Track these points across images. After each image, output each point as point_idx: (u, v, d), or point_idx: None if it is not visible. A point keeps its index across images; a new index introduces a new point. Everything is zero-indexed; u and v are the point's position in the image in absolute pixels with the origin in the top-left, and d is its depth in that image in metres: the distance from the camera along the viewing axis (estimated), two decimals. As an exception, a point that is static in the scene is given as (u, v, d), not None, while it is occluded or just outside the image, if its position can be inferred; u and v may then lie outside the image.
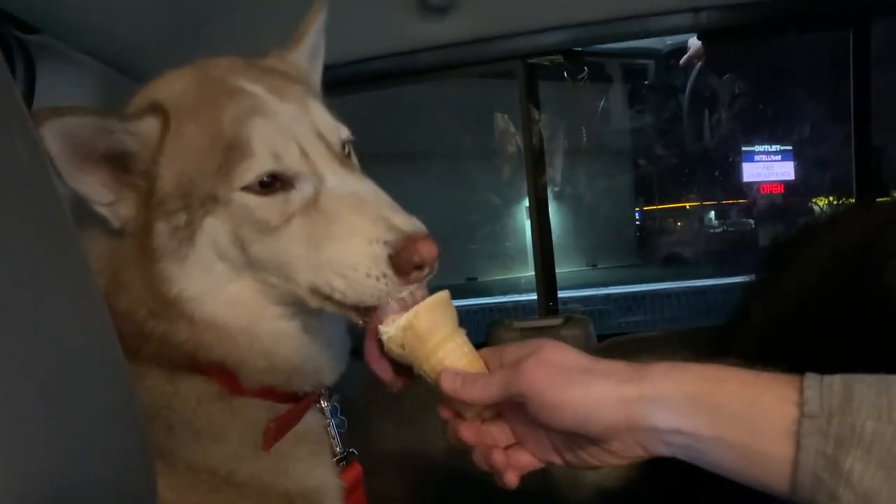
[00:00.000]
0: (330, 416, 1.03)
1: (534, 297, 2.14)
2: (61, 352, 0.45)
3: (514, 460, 0.80)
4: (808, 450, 0.61)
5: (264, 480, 0.89)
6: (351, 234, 0.80)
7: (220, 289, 0.87)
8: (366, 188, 0.86)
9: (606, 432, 0.70)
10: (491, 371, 0.79)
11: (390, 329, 0.77)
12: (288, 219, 0.83)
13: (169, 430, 0.86)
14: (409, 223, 0.81)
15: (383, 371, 0.82)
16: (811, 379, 0.64)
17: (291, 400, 0.94)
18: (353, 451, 1.04)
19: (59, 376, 0.44)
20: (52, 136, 0.77)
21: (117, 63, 1.43)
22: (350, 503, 1.01)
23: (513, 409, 0.79)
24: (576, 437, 0.74)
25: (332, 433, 1.02)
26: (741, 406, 0.66)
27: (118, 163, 0.84)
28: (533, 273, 2.00)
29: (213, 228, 0.84)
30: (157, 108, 0.85)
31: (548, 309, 1.89)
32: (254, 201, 0.83)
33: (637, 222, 14.14)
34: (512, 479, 0.78)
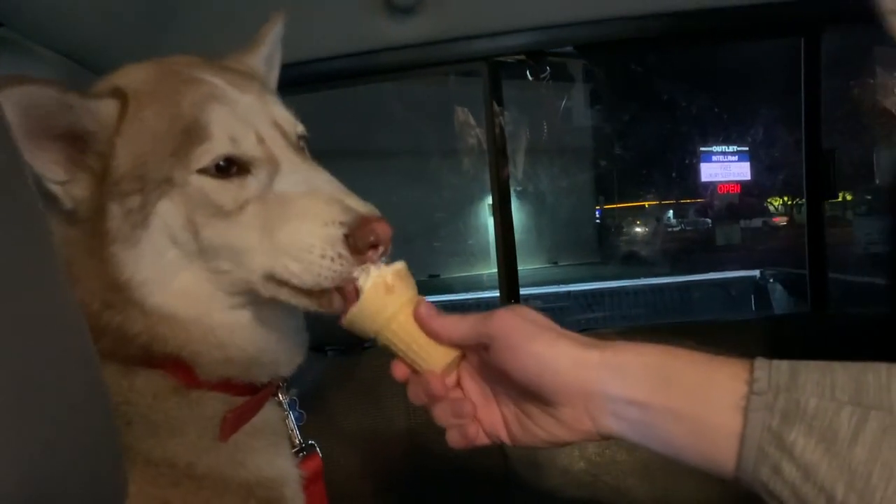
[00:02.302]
0: (288, 409, 1.04)
1: (496, 293, 2.17)
2: (33, 347, 0.45)
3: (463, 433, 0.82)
4: (755, 423, 0.64)
5: (223, 472, 0.90)
6: (305, 217, 0.82)
7: (171, 277, 0.87)
8: (321, 175, 0.88)
9: (560, 391, 0.73)
10: None
11: (384, 269, 0.79)
12: (242, 205, 0.85)
13: (127, 426, 0.86)
14: (363, 205, 0.83)
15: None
16: (761, 361, 0.67)
17: (248, 392, 0.94)
18: (312, 444, 1.05)
19: (30, 372, 0.45)
20: (13, 105, 0.75)
21: (79, 57, 1.41)
22: (310, 493, 1.02)
23: (471, 372, 0.82)
24: (528, 400, 0.77)
25: (291, 425, 1.03)
26: (695, 380, 0.69)
27: (73, 142, 0.84)
28: (495, 270, 2.02)
29: (167, 211, 0.85)
30: (116, 92, 0.86)
31: (510, 302, 1.92)
32: (209, 184, 0.84)
33: (597, 220, 14.33)
34: (470, 433, 0.80)
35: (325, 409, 1.64)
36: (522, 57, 1.84)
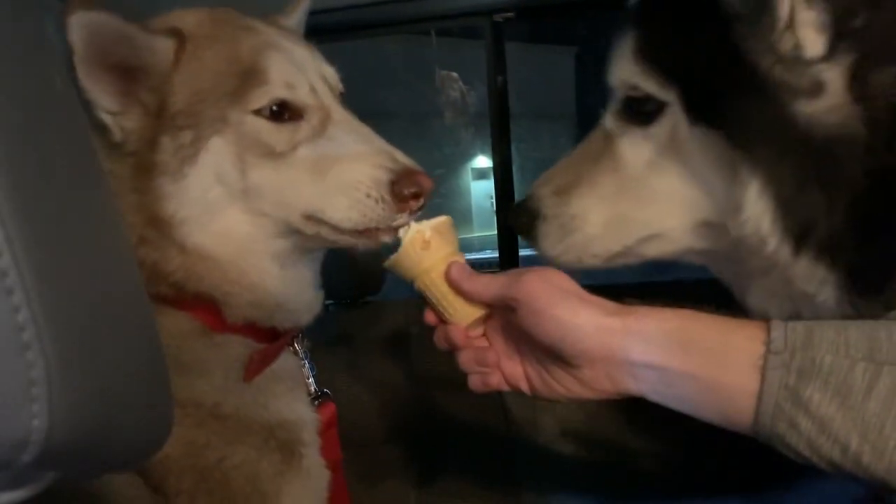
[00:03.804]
0: (303, 358, 1.08)
1: (481, 255, 2.20)
2: (102, 279, 0.46)
3: (484, 380, 0.88)
4: (772, 381, 0.68)
5: (247, 413, 0.93)
6: (356, 159, 0.89)
7: (213, 216, 0.89)
8: (368, 129, 0.94)
9: (582, 355, 0.76)
10: None
11: (423, 224, 0.85)
12: (294, 146, 0.89)
13: None
14: (407, 159, 0.91)
15: None
16: (777, 322, 0.71)
17: (270, 338, 0.98)
18: (326, 392, 1.09)
19: (101, 307, 0.45)
20: (79, 28, 0.77)
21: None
22: (324, 439, 1.06)
23: (497, 327, 0.87)
24: (550, 359, 0.80)
25: (307, 373, 1.08)
26: (713, 343, 0.72)
27: (126, 74, 0.86)
28: (479, 234, 2.04)
29: (218, 149, 0.88)
30: (174, 31, 0.88)
31: (509, 263, 1.93)
32: (264, 125, 0.88)
33: (579, 185, 14.35)
34: (492, 381, 0.86)
35: (328, 362, 1.66)
36: (510, 15, 1.82)
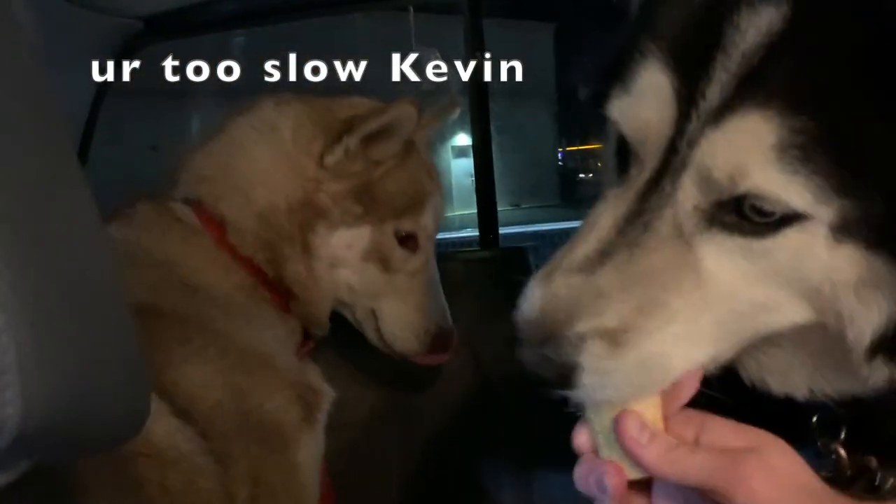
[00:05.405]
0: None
1: (461, 234, 2.21)
2: (75, 266, 0.45)
3: None
4: None
5: (290, 372, 1.16)
6: (423, 309, 1.30)
7: (329, 266, 1.23)
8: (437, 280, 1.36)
9: None
10: (676, 433, 0.62)
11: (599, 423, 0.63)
12: (397, 271, 1.26)
13: (231, 316, 1.12)
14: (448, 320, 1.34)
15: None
16: None
17: (304, 330, 1.28)
18: None
19: (74, 294, 0.45)
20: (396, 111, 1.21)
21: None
22: None
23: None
24: None
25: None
26: None
27: (367, 146, 1.20)
28: (460, 212, 2.04)
29: (362, 234, 1.22)
30: (408, 143, 1.25)
31: (488, 241, 1.93)
32: (394, 244, 1.24)
33: (560, 163, 14.38)
34: None
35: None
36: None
